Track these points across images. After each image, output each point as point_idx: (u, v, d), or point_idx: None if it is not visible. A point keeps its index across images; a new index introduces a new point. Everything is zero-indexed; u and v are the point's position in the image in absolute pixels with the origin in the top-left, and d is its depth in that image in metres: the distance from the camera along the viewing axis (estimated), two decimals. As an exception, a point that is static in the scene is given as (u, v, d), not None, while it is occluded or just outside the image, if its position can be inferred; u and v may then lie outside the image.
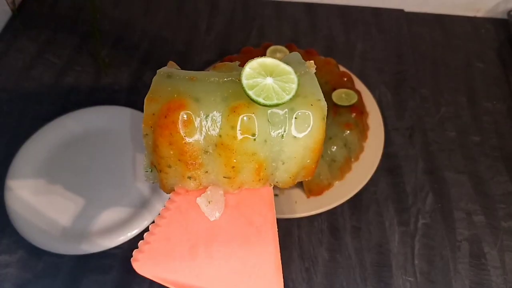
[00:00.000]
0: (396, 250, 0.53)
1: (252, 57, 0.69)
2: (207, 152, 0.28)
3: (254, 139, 0.27)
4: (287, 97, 0.27)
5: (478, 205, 0.57)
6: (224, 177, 0.29)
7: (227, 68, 0.31)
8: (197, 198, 0.29)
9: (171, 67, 0.31)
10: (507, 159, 0.61)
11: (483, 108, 0.67)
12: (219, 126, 0.27)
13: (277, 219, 0.53)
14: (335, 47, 0.73)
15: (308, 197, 0.55)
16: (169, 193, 0.31)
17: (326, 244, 0.53)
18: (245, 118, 0.27)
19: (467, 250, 0.53)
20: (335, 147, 0.55)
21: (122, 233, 0.51)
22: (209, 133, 0.27)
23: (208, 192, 0.29)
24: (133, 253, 0.28)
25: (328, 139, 0.55)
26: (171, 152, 0.28)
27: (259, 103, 0.27)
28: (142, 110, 0.62)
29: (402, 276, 0.51)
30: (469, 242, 0.54)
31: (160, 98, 0.28)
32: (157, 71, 0.30)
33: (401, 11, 0.79)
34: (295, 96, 0.28)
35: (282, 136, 0.28)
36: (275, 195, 0.55)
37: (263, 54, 0.63)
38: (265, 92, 0.27)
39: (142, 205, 0.54)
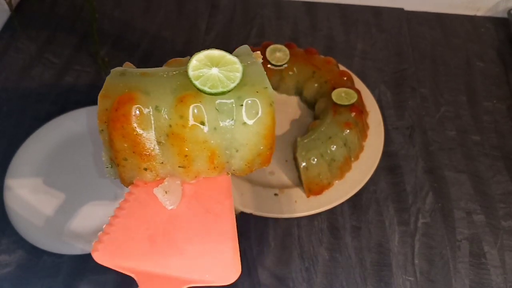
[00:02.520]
0: (396, 249, 0.53)
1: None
2: (160, 142, 0.29)
3: (203, 127, 0.28)
4: (232, 85, 0.28)
5: (478, 205, 0.57)
6: (179, 166, 0.30)
7: (177, 63, 0.32)
8: (154, 189, 0.30)
9: (128, 66, 0.32)
10: (507, 159, 0.61)
11: (483, 107, 0.66)
12: (168, 117, 0.28)
13: (277, 218, 0.54)
14: (335, 46, 0.73)
15: (308, 196, 0.55)
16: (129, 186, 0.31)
17: (326, 244, 0.53)
18: (192, 107, 0.28)
19: (467, 249, 0.53)
20: (335, 146, 0.55)
21: (122, 233, 0.51)
22: (159, 123, 0.28)
23: (166, 183, 0.30)
24: (93, 244, 0.29)
25: (328, 138, 0.55)
26: (125, 145, 0.29)
27: (205, 92, 0.28)
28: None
29: (402, 276, 0.51)
30: (469, 241, 0.54)
31: (112, 94, 0.29)
32: (111, 70, 0.31)
33: (401, 10, 0.79)
34: (242, 85, 0.29)
35: (232, 123, 0.29)
36: (275, 194, 0.55)
37: (263, 53, 0.63)
38: (211, 81, 0.28)
39: (142, 205, 0.54)
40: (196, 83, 0.28)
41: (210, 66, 0.28)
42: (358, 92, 0.60)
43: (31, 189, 0.54)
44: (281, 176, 0.57)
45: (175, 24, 0.75)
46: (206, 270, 0.28)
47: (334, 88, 0.59)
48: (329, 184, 0.55)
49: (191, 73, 0.28)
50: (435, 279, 0.51)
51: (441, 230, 0.55)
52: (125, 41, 0.72)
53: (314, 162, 0.54)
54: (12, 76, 0.67)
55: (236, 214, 0.54)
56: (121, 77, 0.29)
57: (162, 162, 0.30)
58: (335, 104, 0.58)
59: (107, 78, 0.30)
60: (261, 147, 0.30)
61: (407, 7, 0.79)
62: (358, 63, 0.71)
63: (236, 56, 0.30)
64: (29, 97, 0.65)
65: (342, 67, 0.66)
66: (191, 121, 0.28)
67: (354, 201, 0.56)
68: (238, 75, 0.29)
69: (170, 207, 0.30)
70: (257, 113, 0.29)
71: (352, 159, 0.57)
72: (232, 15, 0.77)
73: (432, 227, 0.55)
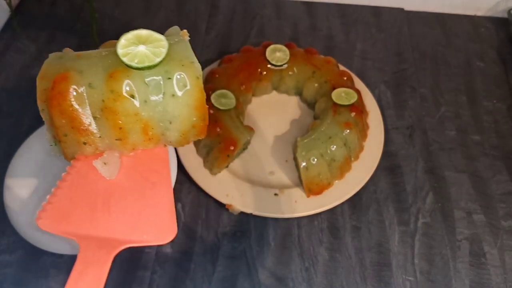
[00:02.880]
0: (396, 249, 0.53)
1: (252, 56, 0.69)
2: (96, 117, 0.31)
3: (134, 100, 0.30)
4: (158, 60, 0.30)
5: (478, 204, 0.57)
6: (116, 139, 0.31)
7: (111, 45, 0.33)
8: (93, 161, 0.32)
9: (67, 52, 0.34)
10: (507, 158, 0.61)
11: (483, 107, 0.66)
12: (101, 92, 0.30)
13: (277, 218, 0.54)
14: (335, 46, 0.73)
15: (308, 196, 0.55)
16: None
17: (326, 244, 0.53)
18: (122, 82, 0.30)
19: (467, 249, 0.53)
20: (334, 146, 0.55)
21: (122, 233, 0.51)
22: (93, 99, 0.30)
23: (105, 155, 0.32)
24: (37, 212, 0.31)
25: (328, 138, 0.55)
26: (64, 121, 0.31)
27: (132, 67, 0.30)
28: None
29: (402, 276, 0.51)
30: (469, 241, 0.54)
31: (50, 75, 0.30)
32: (49, 55, 0.32)
33: (401, 10, 0.79)
34: (169, 60, 0.31)
35: (162, 96, 0.30)
36: (275, 194, 0.55)
37: (263, 53, 0.63)
38: (138, 57, 0.30)
39: (142, 205, 0.54)
40: (124, 59, 0.30)
41: (138, 44, 0.31)
42: (358, 92, 0.60)
43: (31, 189, 0.54)
44: (281, 176, 0.57)
45: (175, 24, 0.75)
46: (144, 232, 0.30)
47: (334, 88, 0.59)
48: (329, 184, 0.55)
49: (120, 51, 0.30)
50: (435, 279, 0.51)
51: (441, 230, 0.55)
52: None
53: (314, 162, 0.54)
54: (12, 76, 0.67)
55: (236, 214, 0.54)
56: (58, 59, 0.31)
57: (100, 136, 0.31)
58: (335, 104, 0.58)
59: (45, 61, 0.32)
60: (194, 119, 0.32)
61: (407, 7, 0.79)
62: (358, 63, 0.71)
63: (166, 35, 0.32)
64: (29, 97, 0.65)
65: (342, 67, 0.66)
66: (122, 95, 0.30)
67: (354, 201, 0.56)
68: (164, 50, 0.30)
69: (109, 178, 0.32)
70: (185, 86, 0.31)
71: (352, 159, 0.57)
72: (232, 15, 0.77)
73: (432, 227, 0.55)
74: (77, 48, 0.70)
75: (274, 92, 0.66)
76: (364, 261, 0.52)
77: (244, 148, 0.59)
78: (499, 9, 0.78)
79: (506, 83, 0.70)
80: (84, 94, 0.30)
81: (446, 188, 0.58)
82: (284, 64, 0.62)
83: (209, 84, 0.61)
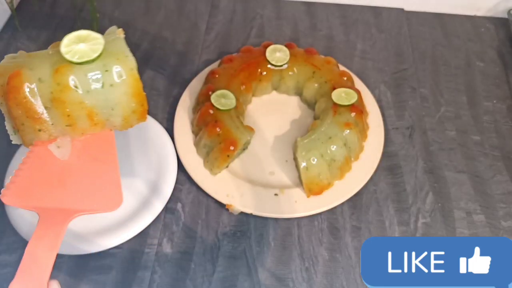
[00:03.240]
0: (396, 249, 0.53)
1: (252, 56, 0.69)
2: (47, 107, 0.35)
3: (78, 90, 0.35)
4: (95, 55, 0.35)
5: (478, 205, 0.57)
6: (66, 125, 0.37)
7: (57, 45, 0.37)
8: (48, 145, 0.37)
9: (21, 53, 0.38)
10: (507, 159, 0.61)
11: (483, 107, 0.66)
12: (49, 85, 0.35)
13: (277, 218, 0.54)
14: (335, 46, 0.73)
15: (308, 196, 0.55)
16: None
17: (326, 244, 0.53)
18: (67, 75, 0.35)
19: (467, 249, 0.53)
20: (335, 147, 0.55)
21: (122, 233, 0.51)
22: (43, 91, 0.35)
23: (58, 140, 0.38)
24: (1, 191, 0.35)
25: (328, 138, 0.55)
26: (19, 112, 0.35)
27: (74, 63, 0.35)
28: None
29: (402, 276, 0.51)
30: (469, 241, 0.54)
31: (5, 72, 0.35)
32: (5, 56, 0.37)
33: (401, 10, 0.79)
34: (106, 55, 0.36)
35: (101, 86, 0.35)
36: (275, 194, 0.55)
37: (263, 53, 0.63)
38: (78, 53, 0.35)
39: (142, 205, 0.54)
40: (67, 56, 0.35)
41: (78, 43, 0.35)
42: (358, 92, 0.60)
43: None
44: (281, 176, 0.57)
45: (175, 24, 0.75)
46: (94, 202, 0.36)
47: (334, 88, 0.59)
48: (329, 184, 0.55)
49: (63, 49, 0.35)
50: (435, 279, 0.51)
51: (441, 230, 0.55)
52: (125, 41, 0.72)
53: (314, 162, 0.54)
54: (12, 76, 0.67)
55: (236, 214, 0.54)
56: (12, 59, 0.36)
57: (52, 124, 0.36)
58: (335, 104, 0.58)
59: (1, 61, 0.37)
60: (133, 105, 0.37)
61: (407, 7, 0.79)
62: (358, 63, 0.71)
63: (106, 34, 0.37)
64: (29, 97, 0.65)
65: (342, 67, 0.66)
66: (67, 87, 0.35)
67: (354, 201, 0.56)
68: (101, 47, 0.35)
69: (63, 158, 0.37)
70: (121, 76, 0.36)
71: (352, 159, 0.57)
72: (232, 15, 0.77)
73: (432, 227, 0.55)
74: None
75: (274, 92, 0.66)
76: (364, 261, 0.52)
77: (244, 148, 0.59)
78: (499, 9, 0.78)
79: (506, 83, 0.70)
80: (35, 88, 0.35)
81: (446, 188, 0.58)
82: (284, 64, 0.62)
83: (209, 84, 0.61)
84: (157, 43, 0.72)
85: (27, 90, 0.34)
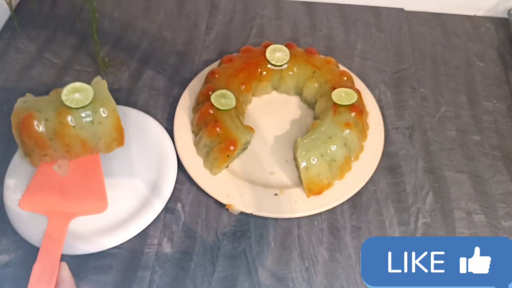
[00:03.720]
0: (396, 249, 0.53)
1: (252, 56, 0.69)
2: (51, 139, 0.47)
3: (74, 127, 0.46)
4: (87, 102, 0.47)
5: (478, 205, 0.57)
6: (65, 151, 0.48)
7: (57, 92, 0.48)
8: (52, 166, 0.50)
9: (28, 96, 0.50)
10: (507, 159, 0.61)
11: (483, 107, 0.66)
12: (54, 123, 0.46)
13: (277, 218, 0.54)
14: (335, 46, 0.73)
15: (308, 196, 0.55)
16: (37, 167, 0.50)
17: (326, 244, 0.53)
18: (66, 116, 0.46)
19: (467, 249, 0.53)
20: (335, 147, 0.55)
21: (122, 233, 0.51)
22: (49, 128, 0.46)
23: (59, 162, 0.50)
24: (19, 200, 0.48)
25: (328, 138, 0.55)
26: (30, 142, 0.46)
27: (72, 108, 0.46)
28: (142, 110, 0.62)
29: (402, 276, 0.51)
30: (469, 241, 0.54)
31: (20, 113, 0.47)
32: (18, 99, 0.49)
33: (401, 10, 0.79)
34: (95, 101, 0.48)
35: (92, 123, 0.47)
36: (275, 194, 0.55)
37: (263, 53, 0.63)
38: (75, 101, 0.47)
39: (142, 205, 0.54)
40: (67, 103, 0.46)
41: (74, 93, 0.47)
42: (358, 92, 0.60)
43: (31, 189, 0.54)
44: (281, 176, 0.57)
45: (175, 24, 0.75)
46: (86, 206, 0.48)
47: (334, 88, 0.59)
48: (329, 184, 0.55)
49: (63, 97, 0.47)
50: (435, 279, 0.51)
51: (441, 230, 0.55)
52: (125, 41, 0.72)
53: (314, 162, 0.54)
54: (12, 76, 0.67)
55: (236, 214, 0.54)
56: (24, 103, 0.48)
57: (54, 150, 0.48)
58: (335, 104, 0.58)
59: (16, 105, 0.49)
60: (114, 135, 0.50)
61: (407, 7, 0.79)
62: (358, 63, 0.71)
63: (93, 84, 0.49)
64: (29, 97, 0.65)
65: (342, 67, 0.66)
66: (67, 125, 0.46)
67: (354, 201, 0.56)
68: (91, 96, 0.47)
69: (63, 176, 0.50)
70: (106, 117, 0.48)
71: (352, 159, 0.57)
72: (232, 15, 0.77)
73: (432, 227, 0.55)
74: (77, 48, 0.70)
75: (274, 92, 0.66)
76: (364, 261, 0.52)
77: (244, 148, 0.59)
78: (499, 9, 0.78)
79: (506, 83, 0.70)
80: (43, 125, 0.46)
81: (446, 188, 0.58)
82: (284, 64, 0.62)
83: (209, 84, 0.61)
84: (157, 43, 0.72)
85: (36, 127, 0.45)
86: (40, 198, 0.45)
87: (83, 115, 0.46)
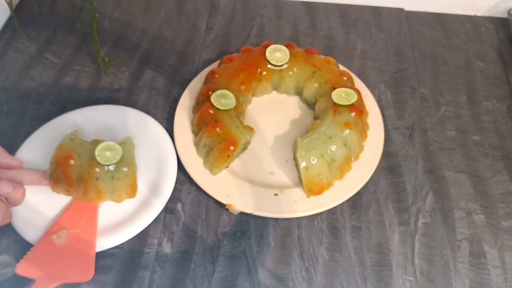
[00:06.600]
0: (396, 249, 0.53)
1: (252, 56, 0.69)
2: (76, 181, 0.52)
3: (97, 179, 0.51)
4: (115, 161, 0.52)
5: (478, 204, 0.57)
6: (82, 194, 0.52)
7: (97, 144, 0.53)
8: (52, 236, 0.51)
9: (76, 134, 0.56)
10: (507, 159, 0.61)
11: (483, 107, 0.67)
12: (83, 170, 0.51)
13: (277, 218, 0.54)
14: (335, 46, 0.73)
15: (308, 196, 0.55)
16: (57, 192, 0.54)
17: (326, 244, 0.53)
18: (95, 169, 0.51)
19: (467, 249, 0.53)
20: (334, 147, 0.55)
21: (122, 233, 0.51)
22: (78, 172, 0.52)
23: (59, 232, 0.51)
24: (16, 265, 0.48)
25: (328, 138, 0.55)
26: (62, 175, 0.52)
27: (101, 164, 0.51)
28: (142, 110, 0.63)
29: (402, 276, 0.51)
30: (469, 241, 0.54)
31: (64, 149, 0.52)
32: (67, 135, 0.54)
33: (401, 10, 0.79)
34: (122, 160, 0.52)
35: (112, 178, 0.52)
36: (275, 194, 0.55)
37: (263, 53, 0.63)
38: (105, 158, 0.52)
39: (142, 205, 0.54)
40: (98, 159, 0.51)
41: (106, 151, 0.52)
42: (358, 92, 0.60)
43: (31, 189, 0.54)
44: (281, 176, 0.57)
45: (175, 24, 0.75)
46: (72, 275, 0.49)
47: (334, 88, 0.59)
48: (329, 184, 0.55)
49: (96, 153, 0.52)
50: (435, 279, 0.51)
51: (441, 230, 0.55)
52: (125, 41, 0.72)
53: (314, 162, 0.54)
54: (12, 76, 0.67)
55: (236, 214, 0.54)
56: (70, 141, 0.53)
57: (75, 189, 0.52)
58: (335, 104, 0.58)
59: (64, 139, 0.54)
60: (128, 190, 0.54)
61: (407, 7, 0.79)
62: (358, 63, 0.71)
63: (121, 143, 0.54)
64: (29, 97, 0.65)
65: (342, 67, 0.66)
66: (93, 175, 0.51)
67: (354, 201, 0.56)
68: (119, 156, 0.52)
69: (60, 245, 0.51)
70: (126, 175, 0.52)
71: (352, 159, 0.57)
72: (232, 15, 0.77)
73: (432, 227, 0.55)
74: (77, 48, 0.70)
75: (274, 92, 0.66)
76: (364, 261, 0.52)
77: (244, 148, 0.59)
78: (499, 9, 0.78)
79: (506, 83, 0.70)
80: (76, 168, 0.52)
81: (446, 188, 0.58)
82: (284, 64, 0.62)
83: (209, 84, 0.61)
84: (157, 43, 0.72)
85: (71, 166, 0.51)
86: (34, 266, 0.48)
87: (107, 169, 0.51)
